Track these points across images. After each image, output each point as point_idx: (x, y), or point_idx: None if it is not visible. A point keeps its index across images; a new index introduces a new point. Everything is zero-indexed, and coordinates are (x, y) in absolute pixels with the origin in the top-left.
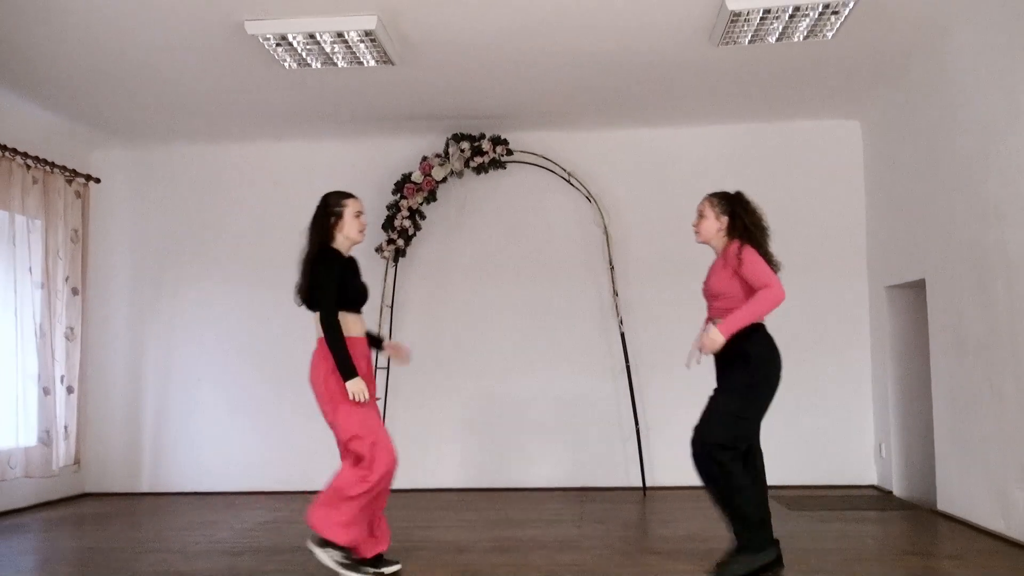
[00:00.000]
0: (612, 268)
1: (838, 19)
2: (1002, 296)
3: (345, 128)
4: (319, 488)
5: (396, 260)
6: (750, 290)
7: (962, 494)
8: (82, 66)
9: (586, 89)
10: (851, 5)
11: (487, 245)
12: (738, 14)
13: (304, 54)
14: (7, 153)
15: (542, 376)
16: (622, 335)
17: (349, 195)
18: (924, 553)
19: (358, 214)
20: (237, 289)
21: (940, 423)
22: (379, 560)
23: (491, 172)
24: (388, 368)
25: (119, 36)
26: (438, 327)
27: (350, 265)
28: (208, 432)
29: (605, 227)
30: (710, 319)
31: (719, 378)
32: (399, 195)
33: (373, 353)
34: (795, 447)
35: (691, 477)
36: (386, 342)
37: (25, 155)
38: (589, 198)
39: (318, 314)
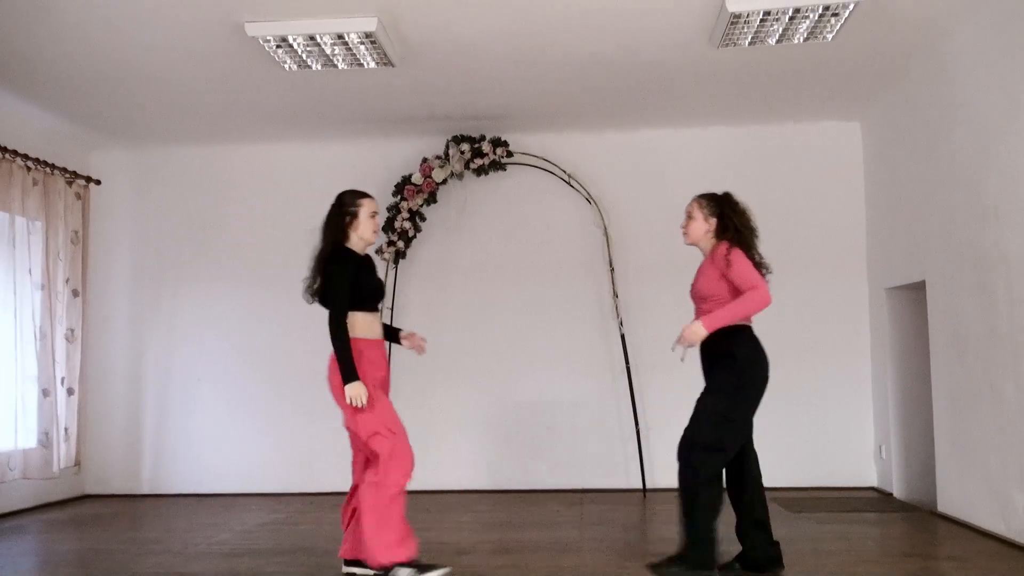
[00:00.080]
0: (612, 269)
1: (838, 21)
2: (1002, 297)
3: (345, 130)
4: (319, 488)
5: (396, 262)
6: (737, 293)
7: (962, 496)
8: (83, 68)
9: (586, 91)
10: (851, 7)
11: (487, 247)
12: (738, 16)
13: (304, 56)
14: (7, 155)
15: (542, 377)
16: (622, 336)
17: (365, 195)
18: (924, 555)
19: (373, 214)
20: (237, 290)
21: (940, 424)
22: (356, 562)
23: (491, 174)
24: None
25: (120, 38)
26: (438, 328)
27: (365, 263)
28: (208, 433)
29: (605, 228)
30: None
31: (706, 379)
32: (399, 197)
33: (389, 346)
34: (795, 448)
35: None
36: (402, 333)
37: (25, 157)
38: (589, 199)
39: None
